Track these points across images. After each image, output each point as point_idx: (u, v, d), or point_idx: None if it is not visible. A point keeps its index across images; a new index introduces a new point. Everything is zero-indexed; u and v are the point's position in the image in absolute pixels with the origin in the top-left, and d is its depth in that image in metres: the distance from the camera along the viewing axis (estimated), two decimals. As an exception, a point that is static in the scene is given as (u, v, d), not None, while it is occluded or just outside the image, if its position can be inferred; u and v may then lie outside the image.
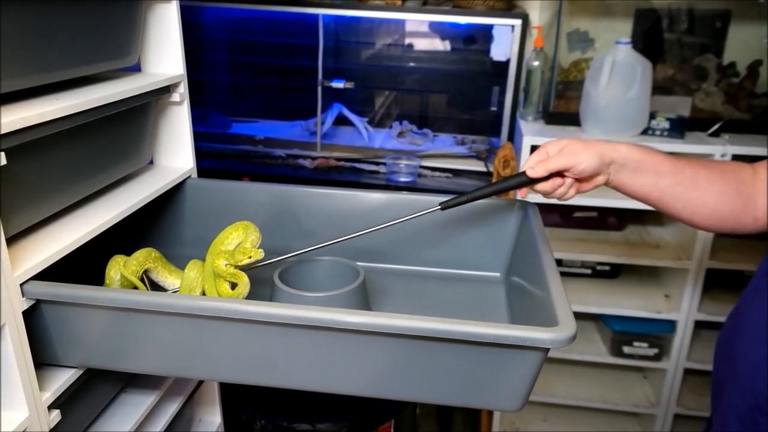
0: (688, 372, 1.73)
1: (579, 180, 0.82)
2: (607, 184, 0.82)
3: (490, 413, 1.86)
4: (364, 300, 0.83)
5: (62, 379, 0.71)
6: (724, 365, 0.81)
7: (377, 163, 1.88)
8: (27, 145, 0.65)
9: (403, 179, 1.82)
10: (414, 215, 0.85)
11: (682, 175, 0.79)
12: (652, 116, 1.57)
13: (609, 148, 0.79)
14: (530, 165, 0.82)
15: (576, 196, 0.85)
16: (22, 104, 0.67)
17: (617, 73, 1.52)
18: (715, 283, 1.73)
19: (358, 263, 0.86)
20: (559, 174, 0.82)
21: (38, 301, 0.66)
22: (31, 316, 0.67)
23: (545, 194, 0.84)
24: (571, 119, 1.64)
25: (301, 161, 1.91)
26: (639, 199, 0.83)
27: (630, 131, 1.57)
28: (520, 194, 0.86)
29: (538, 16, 1.82)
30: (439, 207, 0.84)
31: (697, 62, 1.76)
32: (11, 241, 0.68)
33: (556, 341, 0.59)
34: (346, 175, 1.85)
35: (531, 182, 0.82)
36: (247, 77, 2.15)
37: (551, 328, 0.60)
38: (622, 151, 0.79)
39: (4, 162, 0.60)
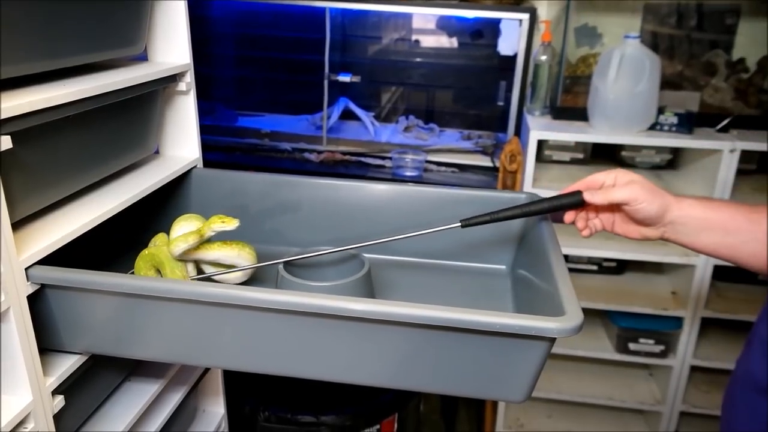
0: (694, 369, 1.72)
1: (628, 220, 0.78)
2: (662, 238, 0.77)
3: (494, 409, 1.86)
4: (369, 290, 0.83)
5: (66, 364, 0.71)
6: (723, 421, 0.77)
7: (383, 158, 1.88)
8: (34, 129, 0.65)
9: (408, 174, 1.81)
10: (434, 230, 0.82)
11: (759, 229, 0.70)
12: (661, 111, 1.56)
13: (674, 203, 0.73)
14: (584, 186, 0.77)
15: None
16: (30, 89, 0.67)
17: (625, 68, 1.51)
18: (722, 280, 1.72)
19: (363, 254, 0.86)
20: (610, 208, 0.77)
21: (43, 286, 0.66)
22: (35, 301, 0.67)
23: (576, 222, 0.80)
24: (579, 114, 1.63)
25: (307, 155, 1.91)
26: (703, 254, 0.76)
27: (638, 126, 1.56)
28: (567, 219, 0.81)
29: (546, 10, 1.81)
30: (459, 224, 0.80)
31: (706, 58, 1.74)
32: (17, 226, 0.68)
33: (562, 330, 0.58)
34: (352, 169, 1.85)
35: (558, 207, 0.78)
36: (254, 71, 2.15)
37: (558, 317, 0.60)
38: (684, 209, 0.73)
39: (10, 145, 0.60)
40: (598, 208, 0.80)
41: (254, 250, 0.83)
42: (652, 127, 1.57)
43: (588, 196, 0.76)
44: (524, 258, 0.91)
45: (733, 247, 0.72)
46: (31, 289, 0.65)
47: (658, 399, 1.80)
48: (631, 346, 1.73)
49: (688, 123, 1.54)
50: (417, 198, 0.97)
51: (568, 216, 0.80)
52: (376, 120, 2.02)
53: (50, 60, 0.72)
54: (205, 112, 2.00)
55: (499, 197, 0.96)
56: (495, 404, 1.86)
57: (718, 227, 0.72)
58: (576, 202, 0.78)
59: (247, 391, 1.37)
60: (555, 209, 0.79)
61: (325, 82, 1.90)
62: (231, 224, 0.76)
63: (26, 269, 0.64)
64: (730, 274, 1.69)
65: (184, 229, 0.82)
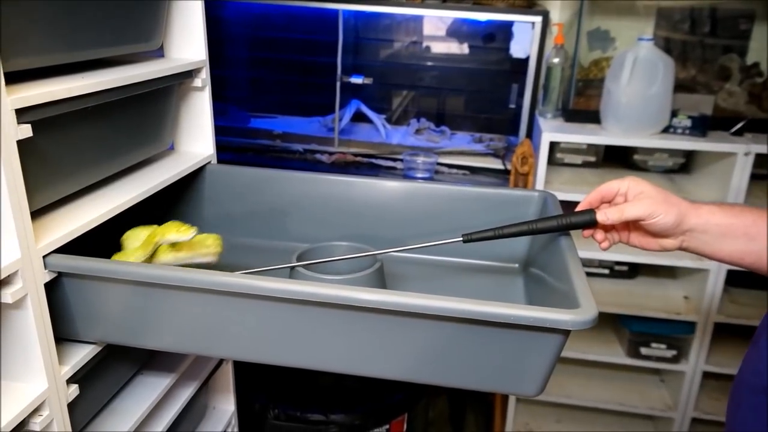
0: (706, 375, 1.70)
1: (644, 233, 0.75)
2: (681, 248, 0.74)
3: (503, 413, 1.84)
4: (381, 286, 0.83)
5: (81, 354, 0.72)
6: (728, 422, 0.75)
7: (394, 159, 1.88)
8: (53, 120, 0.66)
9: (419, 175, 1.81)
10: (435, 243, 0.81)
11: None
12: (674, 114, 1.55)
13: (691, 210, 0.70)
14: (598, 196, 0.74)
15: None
16: (50, 80, 0.68)
17: (639, 70, 1.51)
18: (736, 286, 1.70)
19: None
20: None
21: (60, 275, 0.67)
22: (52, 290, 0.67)
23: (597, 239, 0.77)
24: (591, 117, 1.63)
25: (318, 156, 1.91)
26: (727, 263, 0.73)
27: (651, 129, 1.55)
28: (585, 234, 0.78)
29: (558, 14, 1.81)
30: (461, 239, 0.79)
31: (720, 62, 1.74)
32: (35, 215, 0.69)
33: (576, 323, 0.58)
34: (363, 170, 1.86)
35: (567, 226, 0.75)
36: (267, 72, 2.16)
37: (572, 310, 0.59)
38: (703, 216, 0.70)
39: (30, 134, 0.61)
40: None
41: (197, 243, 0.75)
42: (666, 130, 1.56)
43: (601, 217, 0.73)
44: (536, 255, 0.90)
45: (757, 254, 0.69)
46: (48, 277, 0.65)
47: (669, 405, 1.78)
48: (643, 350, 1.72)
49: (701, 126, 1.54)
50: (428, 195, 0.97)
51: (586, 231, 0.78)
52: (388, 123, 2.03)
53: (70, 53, 0.73)
54: (218, 113, 2.00)
55: (511, 195, 0.96)
56: (504, 408, 1.85)
57: (741, 234, 0.69)
58: (588, 222, 0.74)
59: (257, 389, 1.37)
60: (565, 228, 0.76)
61: (338, 84, 1.91)
62: (186, 234, 0.71)
63: (44, 257, 0.64)
64: (743, 280, 1.67)
65: (134, 243, 0.77)
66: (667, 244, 0.74)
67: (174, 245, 0.75)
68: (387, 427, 1.35)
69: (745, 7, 1.72)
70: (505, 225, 0.78)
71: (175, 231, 0.71)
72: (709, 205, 0.72)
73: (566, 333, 0.61)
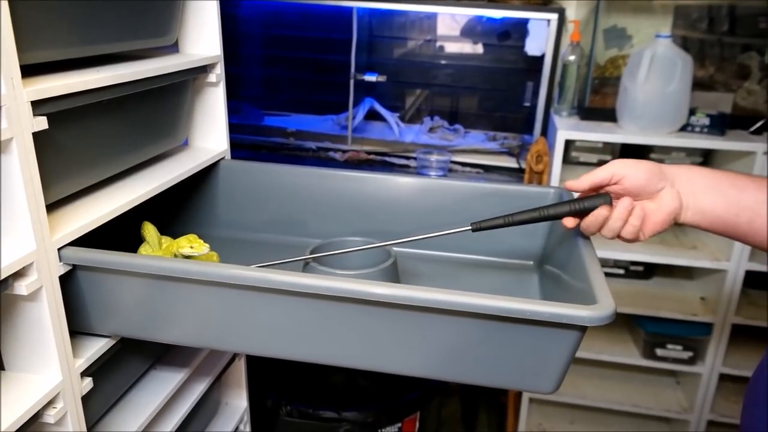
0: (723, 377, 1.68)
1: (642, 210, 0.71)
2: (681, 220, 0.71)
3: (516, 413, 1.83)
4: (395, 281, 0.82)
5: (95, 347, 0.72)
6: (745, 423, 0.73)
7: (408, 158, 1.87)
8: (69, 113, 0.66)
9: (433, 174, 1.80)
10: (444, 233, 0.80)
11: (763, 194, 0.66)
12: (692, 112, 1.53)
13: (662, 165, 0.71)
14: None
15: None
16: (66, 73, 0.69)
17: (656, 68, 1.49)
18: (754, 287, 1.68)
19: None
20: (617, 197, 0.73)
21: (74, 268, 0.67)
22: (67, 283, 0.68)
23: (610, 232, 0.73)
24: (607, 115, 1.61)
25: (332, 154, 1.91)
26: (723, 230, 0.70)
27: (669, 127, 1.53)
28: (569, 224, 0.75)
29: (574, 11, 1.79)
30: (470, 228, 0.77)
31: (739, 60, 1.71)
32: (50, 208, 0.69)
33: (594, 319, 0.57)
34: (377, 168, 1.85)
35: (581, 210, 0.72)
36: (280, 70, 2.16)
37: (590, 305, 0.58)
38: (683, 168, 0.71)
39: (45, 126, 0.61)
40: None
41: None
42: (683, 129, 1.54)
43: (571, 183, 0.73)
44: (551, 253, 0.89)
45: (752, 211, 0.66)
46: (63, 269, 0.65)
47: (685, 407, 1.76)
48: (659, 351, 1.69)
49: (720, 124, 1.51)
50: (442, 191, 0.97)
51: (599, 211, 0.73)
52: (401, 121, 2.02)
53: (85, 46, 0.73)
54: (232, 111, 2.00)
55: (525, 191, 0.95)
56: (516, 408, 1.84)
57: (729, 185, 0.68)
58: (602, 202, 0.72)
59: (270, 386, 1.37)
60: (577, 212, 0.73)
61: (351, 82, 1.91)
62: (200, 250, 0.76)
63: (59, 250, 0.65)
64: (762, 282, 1.65)
65: (154, 239, 0.82)
66: (668, 203, 0.70)
67: (186, 257, 0.79)
68: (399, 425, 1.34)
69: (765, 5, 1.69)
70: (514, 212, 0.75)
71: (188, 246, 0.76)
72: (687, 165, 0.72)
73: (583, 329, 0.60)
